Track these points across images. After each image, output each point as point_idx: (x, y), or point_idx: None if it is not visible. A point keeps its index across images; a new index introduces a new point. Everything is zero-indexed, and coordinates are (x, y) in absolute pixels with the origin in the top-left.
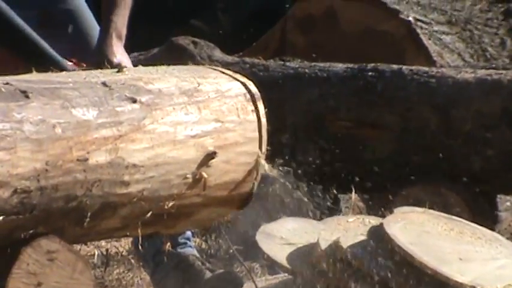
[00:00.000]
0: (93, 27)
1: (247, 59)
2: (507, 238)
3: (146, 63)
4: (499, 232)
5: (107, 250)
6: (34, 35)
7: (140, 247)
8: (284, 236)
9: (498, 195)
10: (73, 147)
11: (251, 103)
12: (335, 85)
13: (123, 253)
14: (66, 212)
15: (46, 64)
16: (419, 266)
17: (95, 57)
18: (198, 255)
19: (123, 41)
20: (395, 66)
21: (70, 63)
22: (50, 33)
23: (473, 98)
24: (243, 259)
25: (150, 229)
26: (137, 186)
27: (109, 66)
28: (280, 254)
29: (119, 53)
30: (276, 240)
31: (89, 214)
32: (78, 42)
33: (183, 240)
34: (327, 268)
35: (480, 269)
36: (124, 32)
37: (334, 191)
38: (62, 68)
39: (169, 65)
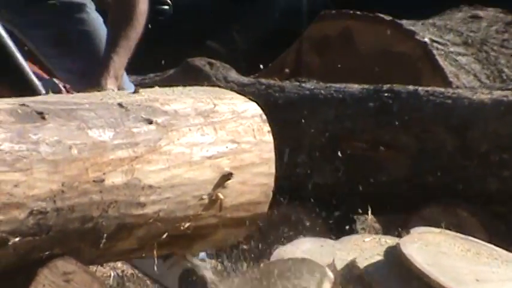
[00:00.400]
0: None
1: (263, 80)
2: None
3: (162, 84)
4: None
5: (122, 271)
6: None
7: (155, 268)
8: (299, 256)
9: None
10: (89, 168)
11: (267, 124)
12: (351, 106)
13: (139, 274)
14: (82, 233)
15: (26, 90)
16: (436, 287)
17: (86, 89)
18: (212, 276)
19: (119, 83)
20: (411, 87)
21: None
22: (65, 52)
23: (489, 119)
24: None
25: (166, 250)
26: (153, 207)
27: None
28: None
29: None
30: None
31: (105, 235)
32: (92, 63)
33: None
34: None
35: None
36: (121, 72)
37: (350, 212)
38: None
39: (185, 86)
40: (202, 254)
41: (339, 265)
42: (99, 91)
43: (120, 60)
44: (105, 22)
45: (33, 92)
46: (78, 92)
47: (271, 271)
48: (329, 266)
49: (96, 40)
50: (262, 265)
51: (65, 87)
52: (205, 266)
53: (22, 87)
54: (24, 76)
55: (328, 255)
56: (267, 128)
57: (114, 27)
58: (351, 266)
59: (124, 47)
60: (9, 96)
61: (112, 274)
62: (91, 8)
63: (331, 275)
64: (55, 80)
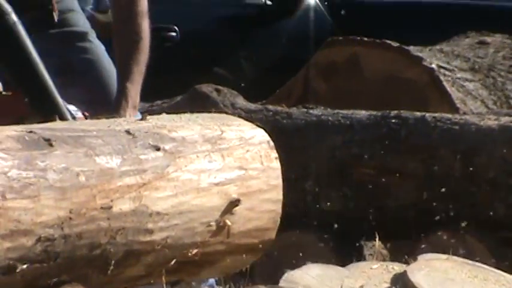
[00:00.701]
0: (112, 76)
1: (270, 107)
2: None
3: (170, 111)
4: None
5: None
6: (50, 82)
7: None
8: (308, 283)
9: None
10: (97, 195)
11: (274, 150)
12: (358, 132)
13: None
14: (90, 260)
15: (53, 113)
16: None
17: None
18: None
19: (137, 109)
20: (418, 114)
21: (80, 116)
22: (69, 82)
23: (496, 144)
24: None
25: (174, 276)
26: (161, 234)
27: None
28: None
29: (128, 110)
30: None
31: (112, 262)
32: (96, 92)
33: None
34: None
35: None
36: (138, 99)
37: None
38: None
39: (192, 112)
40: (211, 281)
41: None
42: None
43: (134, 87)
44: (107, 51)
45: (59, 114)
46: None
47: None
48: None
49: (100, 68)
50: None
51: (84, 114)
52: None
53: (47, 107)
54: (50, 96)
55: (336, 281)
56: (274, 154)
57: (122, 54)
58: None
59: (136, 72)
60: (20, 108)
61: None
62: (93, 36)
63: None
64: (73, 106)
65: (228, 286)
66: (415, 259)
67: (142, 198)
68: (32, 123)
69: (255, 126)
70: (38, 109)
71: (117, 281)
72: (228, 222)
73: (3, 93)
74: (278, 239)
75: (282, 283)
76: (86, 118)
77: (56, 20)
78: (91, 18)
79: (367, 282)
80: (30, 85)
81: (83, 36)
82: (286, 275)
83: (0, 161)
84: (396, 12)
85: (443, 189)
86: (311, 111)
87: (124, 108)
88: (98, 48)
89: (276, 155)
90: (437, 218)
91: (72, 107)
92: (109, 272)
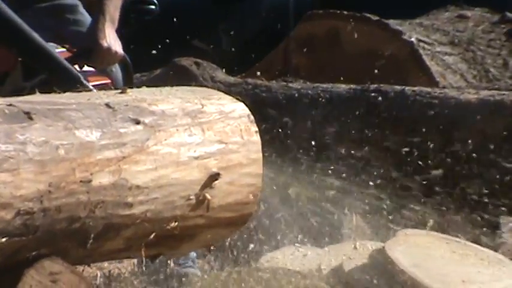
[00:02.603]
0: None
1: (249, 80)
2: (510, 259)
3: (149, 84)
4: (502, 254)
5: (109, 271)
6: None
7: (144, 268)
8: (287, 263)
9: (501, 217)
10: (76, 168)
11: (254, 124)
12: (338, 106)
13: (126, 275)
14: (69, 234)
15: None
16: None
17: (86, 40)
18: (199, 274)
19: (116, 25)
20: (398, 87)
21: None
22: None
23: (476, 118)
24: None
25: (154, 250)
26: (141, 208)
27: (99, 52)
28: None
29: (111, 38)
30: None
31: (92, 235)
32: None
33: (187, 262)
34: None
35: None
36: (117, 16)
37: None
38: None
39: (172, 86)
40: (192, 255)
41: (326, 270)
42: (98, 36)
43: (113, 3)
44: None
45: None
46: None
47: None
48: (315, 271)
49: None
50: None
51: (64, 47)
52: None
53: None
54: (42, 49)
55: (314, 259)
56: (254, 128)
57: None
58: (337, 270)
59: None
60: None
61: (99, 274)
62: (82, 8)
63: None
64: (53, 44)
65: (207, 259)
66: (393, 234)
67: (121, 172)
68: (16, 79)
69: (235, 100)
70: (34, 64)
71: (96, 255)
72: (208, 196)
73: None
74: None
75: (261, 263)
76: (68, 50)
77: None
78: None
79: (346, 259)
80: (22, 45)
81: (73, 8)
82: (264, 256)
83: None
84: None
85: (421, 163)
86: (291, 84)
87: (102, 23)
88: (88, 20)
89: (256, 129)
90: (416, 191)
91: (51, 44)
92: (88, 245)
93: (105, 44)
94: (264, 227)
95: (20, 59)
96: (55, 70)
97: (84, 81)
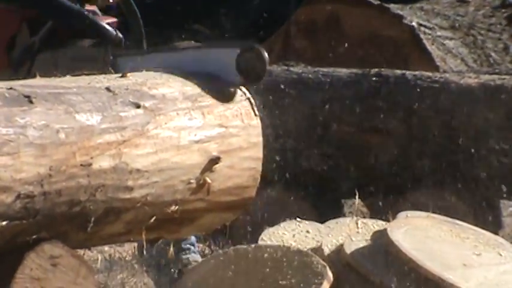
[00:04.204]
0: None
1: None
2: (510, 243)
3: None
4: (502, 237)
5: (110, 255)
6: None
7: (144, 252)
8: (288, 239)
9: (502, 201)
10: (76, 152)
11: (255, 108)
12: (338, 90)
13: (127, 258)
14: (69, 217)
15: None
16: (423, 272)
17: None
18: (200, 259)
19: None
20: (398, 72)
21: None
22: None
23: (476, 102)
24: None
25: (154, 234)
26: (141, 191)
27: None
28: None
29: None
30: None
31: (92, 219)
32: None
33: (187, 246)
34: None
35: (484, 274)
36: None
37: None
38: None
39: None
40: (192, 238)
41: (327, 250)
42: None
43: None
44: None
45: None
46: None
47: (260, 256)
48: (316, 251)
49: None
50: (250, 247)
51: None
52: (195, 251)
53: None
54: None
55: (315, 239)
56: (254, 112)
57: None
58: (339, 251)
59: None
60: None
61: (99, 258)
62: None
63: (330, 275)
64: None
65: (208, 243)
66: (395, 217)
67: (122, 156)
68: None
69: None
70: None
71: (96, 238)
72: (208, 180)
73: None
74: (258, 196)
75: (261, 239)
76: None
77: None
78: None
79: (347, 239)
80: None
81: None
82: (265, 231)
83: None
84: None
85: (423, 147)
86: (291, 68)
87: None
88: None
89: (257, 113)
90: (418, 175)
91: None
92: (88, 229)
93: None
94: None
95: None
96: (59, 15)
97: (90, 16)
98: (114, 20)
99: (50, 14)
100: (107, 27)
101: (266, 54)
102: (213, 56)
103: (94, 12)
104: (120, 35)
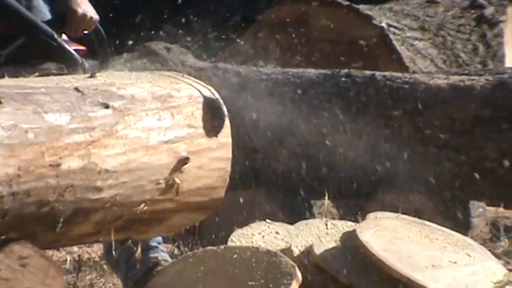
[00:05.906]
0: None
1: (220, 65)
2: (479, 244)
3: (119, 68)
4: (471, 238)
5: (79, 256)
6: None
7: (113, 252)
8: (257, 241)
9: (470, 201)
10: (45, 152)
11: (224, 108)
12: (308, 91)
13: (95, 259)
14: (38, 218)
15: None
16: (392, 273)
17: (60, 6)
18: (170, 260)
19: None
20: (368, 72)
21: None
22: None
23: (446, 103)
24: None
25: (123, 234)
26: (110, 192)
27: (74, 18)
28: None
29: (83, 3)
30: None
31: (61, 219)
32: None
33: (154, 244)
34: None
35: (453, 275)
36: None
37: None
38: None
39: (142, 70)
40: (158, 239)
41: (296, 251)
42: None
43: None
44: None
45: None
46: None
47: (229, 257)
48: (286, 252)
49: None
50: (220, 248)
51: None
52: (163, 249)
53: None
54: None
55: (285, 240)
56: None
57: None
58: (308, 252)
59: None
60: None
61: (68, 258)
62: None
63: (299, 275)
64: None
65: (177, 244)
66: (364, 218)
67: (91, 156)
68: None
69: (204, 84)
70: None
71: (65, 239)
72: (177, 180)
73: None
74: (227, 197)
75: (231, 240)
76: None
77: None
78: None
79: (316, 240)
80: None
81: None
82: (235, 232)
83: None
84: None
85: (392, 148)
86: (261, 69)
87: None
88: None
89: (226, 113)
90: (387, 176)
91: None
92: (57, 229)
93: (79, 10)
94: None
95: None
96: (31, 33)
97: (59, 40)
98: (83, 48)
99: (21, 30)
100: (74, 53)
101: (224, 109)
102: None
103: (64, 39)
104: (86, 64)
